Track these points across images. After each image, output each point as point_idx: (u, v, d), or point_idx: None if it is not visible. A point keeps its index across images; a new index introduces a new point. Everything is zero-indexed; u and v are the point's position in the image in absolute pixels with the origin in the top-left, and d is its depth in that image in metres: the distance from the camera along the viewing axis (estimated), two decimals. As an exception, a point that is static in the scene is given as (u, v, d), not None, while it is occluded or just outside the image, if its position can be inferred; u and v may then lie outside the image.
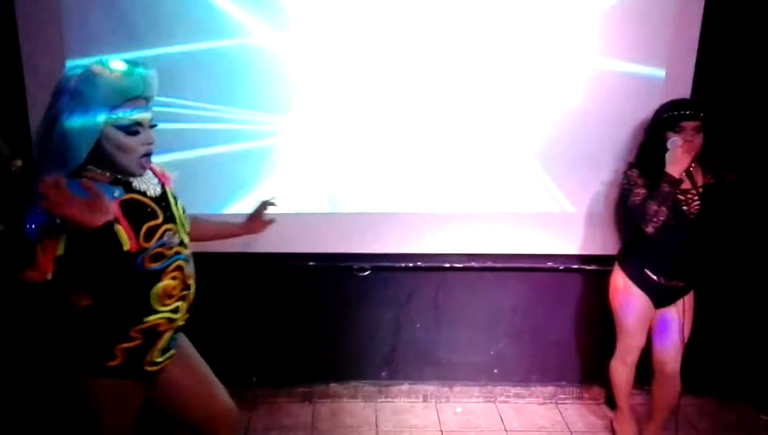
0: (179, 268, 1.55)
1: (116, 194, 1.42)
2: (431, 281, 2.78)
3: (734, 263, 2.71)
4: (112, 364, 1.47)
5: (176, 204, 1.60)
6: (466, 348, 2.88)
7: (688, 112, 2.20)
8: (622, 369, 2.51)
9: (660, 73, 2.47)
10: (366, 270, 2.71)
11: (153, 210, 1.48)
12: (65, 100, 1.34)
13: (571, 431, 2.70)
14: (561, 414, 2.83)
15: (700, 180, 2.29)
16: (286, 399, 2.86)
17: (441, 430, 2.69)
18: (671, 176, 2.15)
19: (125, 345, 1.47)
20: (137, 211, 1.44)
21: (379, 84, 2.47)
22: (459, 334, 2.85)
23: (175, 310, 1.55)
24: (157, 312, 1.50)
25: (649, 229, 2.19)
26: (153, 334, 1.51)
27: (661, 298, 2.37)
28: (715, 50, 2.47)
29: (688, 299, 2.37)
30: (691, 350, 2.43)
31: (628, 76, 2.47)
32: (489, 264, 2.71)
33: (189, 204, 1.71)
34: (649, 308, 2.39)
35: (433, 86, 2.48)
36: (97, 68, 1.37)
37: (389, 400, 2.90)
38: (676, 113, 2.22)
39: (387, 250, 2.69)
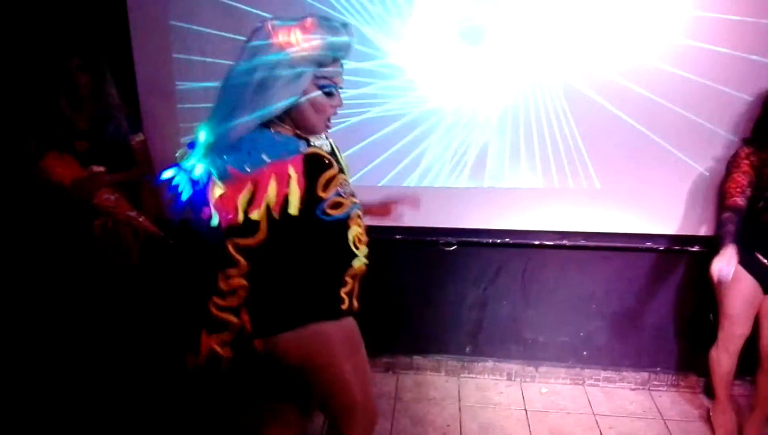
0: (358, 216, 1.64)
1: (301, 148, 1.45)
2: (519, 258, 2.71)
3: None
4: (344, 307, 1.62)
5: (342, 157, 1.64)
6: (554, 328, 2.80)
7: None
8: (723, 357, 2.38)
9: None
10: (452, 245, 2.68)
11: (330, 162, 1.52)
12: (275, 49, 1.35)
13: (664, 419, 2.58)
14: (654, 401, 2.71)
15: None
16: (371, 368, 2.90)
17: (525, 409, 2.65)
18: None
19: (345, 290, 1.62)
20: (318, 163, 1.49)
21: (473, 59, 2.41)
22: (547, 313, 2.78)
23: (367, 255, 1.67)
24: (356, 256, 1.63)
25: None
26: (357, 277, 1.67)
27: None
28: None
29: None
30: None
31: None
32: (582, 242, 2.60)
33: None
34: (757, 294, 2.25)
35: (521, 59, 2.38)
36: (312, 23, 1.37)
37: (473, 375, 2.88)
38: None
39: (474, 225, 2.64)
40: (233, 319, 1.48)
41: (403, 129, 2.53)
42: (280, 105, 1.38)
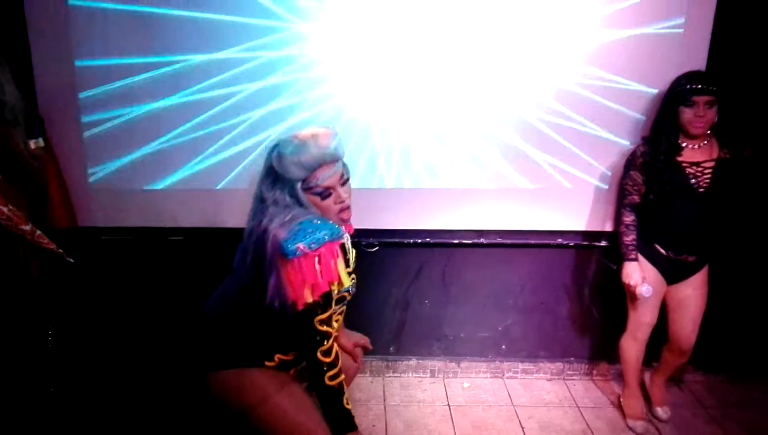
0: (341, 313, 1.82)
1: (342, 233, 1.68)
2: (440, 257, 2.77)
3: (748, 239, 2.67)
4: (270, 365, 1.72)
5: (351, 254, 1.81)
6: (474, 324, 2.88)
7: (699, 86, 2.17)
8: (632, 345, 2.51)
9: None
10: (374, 246, 2.70)
11: (349, 258, 1.74)
12: (270, 174, 1.63)
13: (578, 406, 2.71)
14: (569, 389, 2.84)
15: (714, 153, 2.25)
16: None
17: (448, 405, 2.71)
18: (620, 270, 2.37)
19: (282, 358, 1.73)
20: (344, 252, 1.70)
21: (388, 58, 2.44)
22: (467, 310, 2.85)
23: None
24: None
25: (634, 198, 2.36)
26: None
27: (672, 273, 2.36)
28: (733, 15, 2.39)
29: (702, 274, 2.37)
30: (702, 327, 2.42)
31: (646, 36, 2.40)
32: (498, 240, 2.69)
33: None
34: (660, 284, 2.38)
35: (442, 60, 2.44)
36: (285, 151, 1.58)
37: (397, 374, 2.91)
38: (688, 87, 2.19)
39: (396, 225, 2.68)
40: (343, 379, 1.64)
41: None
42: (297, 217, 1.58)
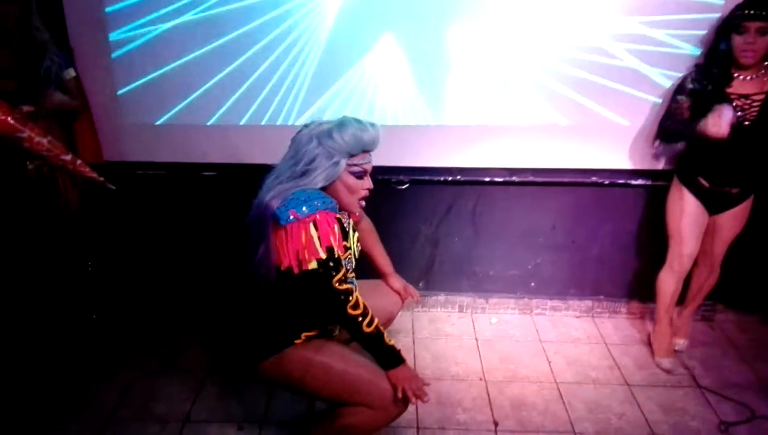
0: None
1: (337, 208, 1.72)
2: (470, 195, 2.75)
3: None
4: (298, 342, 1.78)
5: (354, 238, 1.87)
6: (504, 261, 2.89)
7: (751, 12, 2.06)
8: (668, 277, 2.50)
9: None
10: (404, 183, 2.69)
11: (347, 233, 1.80)
12: (314, 144, 1.65)
13: (606, 343, 2.73)
14: (597, 327, 2.86)
15: (766, 86, 2.14)
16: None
17: (476, 339, 2.76)
18: (702, 132, 2.13)
19: (308, 334, 1.79)
20: (342, 228, 1.74)
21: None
22: (497, 247, 2.85)
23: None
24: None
25: (665, 147, 2.35)
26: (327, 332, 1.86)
27: (715, 203, 2.35)
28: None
29: (745, 203, 2.35)
30: (735, 266, 2.40)
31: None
32: (530, 178, 2.65)
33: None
34: (702, 215, 2.37)
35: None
36: (349, 124, 1.66)
37: (426, 309, 2.97)
38: (740, 12, 2.09)
39: (426, 163, 2.65)
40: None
41: (349, 67, 2.48)
42: (317, 183, 1.65)
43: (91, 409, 2.27)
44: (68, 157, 2.13)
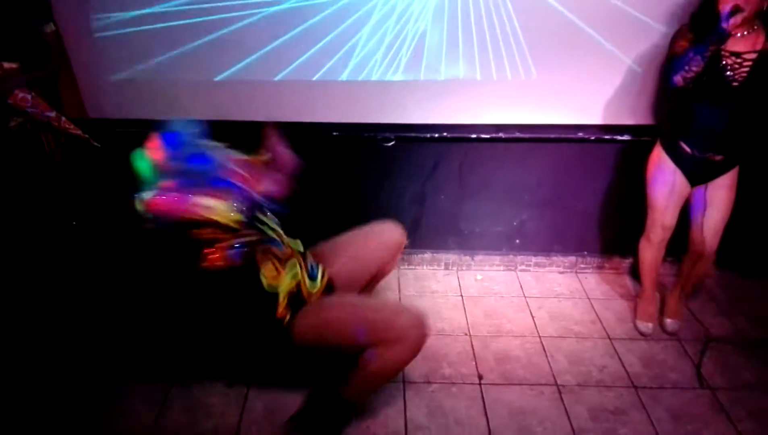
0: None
1: None
2: (457, 152, 2.73)
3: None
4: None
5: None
6: (489, 219, 2.90)
7: None
8: (647, 247, 2.51)
9: None
10: (390, 140, 2.66)
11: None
12: None
13: (589, 298, 2.78)
14: (580, 282, 2.91)
15: (759, 45, 2.06)
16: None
17: (461, 295, 2.79)
18: (720, 28, 1.97)
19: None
20: None
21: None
22: (483, 205, 2.86)
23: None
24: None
25: (677, 78, 2.08)
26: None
27: (696, 173, 2.28)
28: None
29: (729, 177, 2.26)
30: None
31: None
32: (517, 135, 2.63)
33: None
34: (682, 185, 2.31)
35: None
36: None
37: (412, 267, 2.99)
38: None
39: (412, 120, 2.62)
40: None
41: (333, 19, 2.41)
42: None
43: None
44: (52, 114, 2.09)
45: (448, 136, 2.65)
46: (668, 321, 2.56)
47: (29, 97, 2.04)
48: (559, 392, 2.22)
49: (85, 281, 2.72)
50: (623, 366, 2.36)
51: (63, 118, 2.14)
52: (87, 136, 2.20)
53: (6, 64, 2.13)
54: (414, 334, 1.79)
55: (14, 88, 2.07)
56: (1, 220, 2.32)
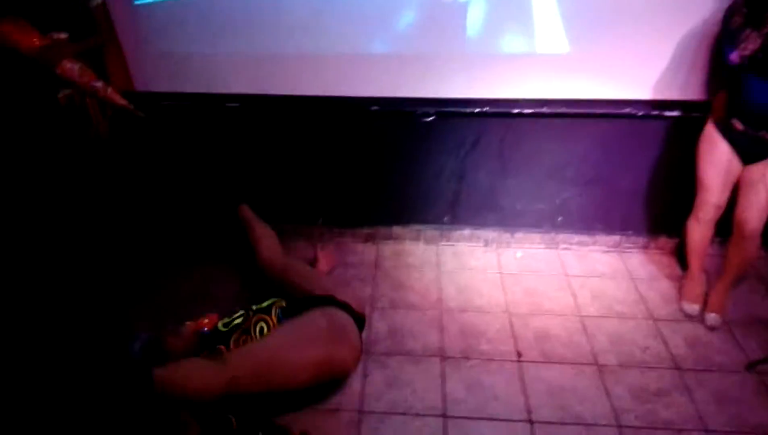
0: None
1: None
2: (498, 128, 2.68)
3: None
4: None
5: None
6: (531, 196, 2.85)
7: None
8: (695, 226, 2.44)
9: None
10: (430, 115, 2.63)
11: None
12: None
13: (632, 278, 2.72)
14: (624, 262, 2.84)
15: None
16: (351, 239, 2.98)
17: (500, 273, 2.77)
18: None
19: None
20: None
21: None
22: (524, 181, 2.81)
23: None
24: None
25: (733, 56, 2.01)
26: None
27: (748, 152, 2.20)
28: None
29: None
30: None
31: None
32: (562, 110, 2.56)
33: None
34: (732, 163, 2.24)
35: None
36: None
37: (451, 243, 2.97)
38: None
39: (453, 94, 2.58)
40: None
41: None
42: None
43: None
44: (99, 84, 2.13)
45: (490, 111, 2.60)
46: (711, 316, 2.44)
47: (76, 67, 2.08)
48: (600, 372, 2.19)
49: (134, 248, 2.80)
50: (667, 347, 2.30)
51: (110, 89, 2.18)
52: (132, 106, 2.24)
53: (55, 35, 2.16)
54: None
55: (62, 58, 2.11)
56: (50, 191, 2.40)
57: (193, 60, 2.56)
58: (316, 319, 1.98)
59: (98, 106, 2.36)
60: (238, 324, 2.01)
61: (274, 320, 2.01)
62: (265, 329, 1.98)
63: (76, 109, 2.32)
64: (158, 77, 2.62)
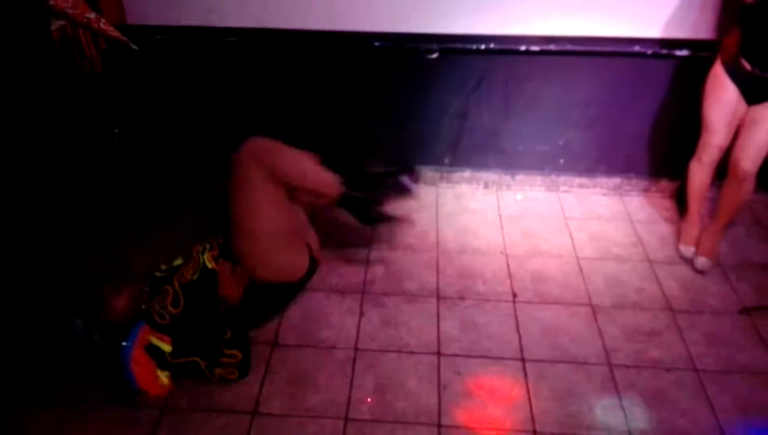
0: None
1: None
2: (503, 66, 2.61)
3: None
4: None
5: None
6: (534, 137, 2.81)
7: None
8: (696, 167, 2.42)
9: None
10: (434, 52, 2.56)
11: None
12: None
13: (631, 220, 2.72)
14: (624, 205, 2.83)
15: None
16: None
17: (500, 215, 2.77)
18: None
19: None
20: None
21: None
22: (527, 122, 2.76)
23: None
24: None
25: None
26: None
27: (754, 92, 2.17)
28: None
29: None
30: None
31: None
32: (569, 47, 2.49)
33: None
34: (738, 104, 2.21)
35: None
36: None
37: (450, 185, 2.96)
38: None
39: (457, 30, 2.50)
40: None
41: None
42: None
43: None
44: (92, 15, 2.09)
45: (495, 47, 2.53)
46: (700, 259, 2.43)
47: None
48: (594, 312, 2.23)
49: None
50: (661, 289, 2.33)
51: (102, 20, 2.14)
52: (126, 38, 2.19)
53: None
54: None
55: None
56: (45, 123, 2.38)
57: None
58: None
59: (92, 40, 2.31)
60: (178, 265, 2.03)
61: (216, 247, 2.05)
62: (208, 248, 2.03)
63: (68, 42, 2.26)
64: (152, 9, 2.53)
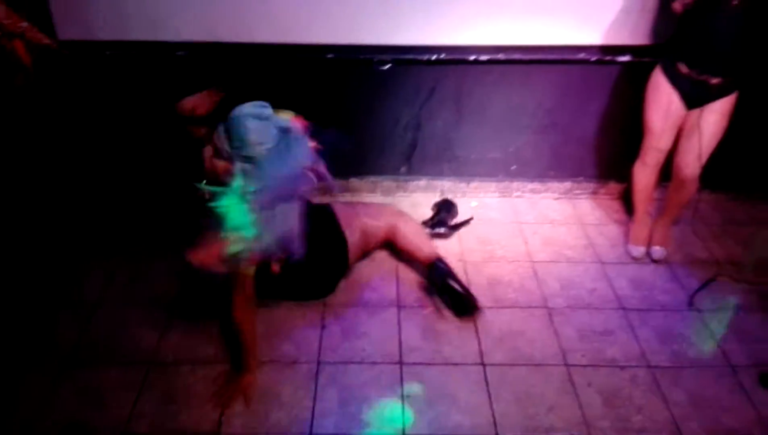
0: None
1: None
2: (454, 75, 2.66)
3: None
4: None
5: None
6: (486, 144, 2.86)
7: None
8: (641, 170, 2.50)
9: None
10: (386, 63, 2.59)
11: None
12: None
13: (582, 223, 2.80)
14: (574, 208, 2.92)
15: None
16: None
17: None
18: None
19: None
20: None
21: None
22: (479, 130, 2.82)
23: None
24: None
25: (676, 4, 2.09)
26: None
27: (693, 96, 2.24)
28: None
29: (725, 103, 2.22)
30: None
31: None
32: (517, 56, 2.56)
33: None
34: (677, 108, 2.29)
35: None
36: None
37: (407, 194, 2.98)
38: None
39: (409, 41, 2.54)
40: None
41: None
42: None
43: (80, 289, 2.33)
44: (25, 24, 2.07)
45: (446, 57, 2.58)
46: (655, 248, 2.57)
47: (2, 8, 2.01)
48: (549, 315, 2.28)
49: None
50: (613, 289, 2.41)
51: (35, 29, 2.11)
52: (56, 45, 2.21)
53: None
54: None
55: None
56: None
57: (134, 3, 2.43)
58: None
59: (25, 49, 2.25)
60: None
61: None
62: None
63: (4, 52, 2.20)
64: (103, 25, 2.48)
